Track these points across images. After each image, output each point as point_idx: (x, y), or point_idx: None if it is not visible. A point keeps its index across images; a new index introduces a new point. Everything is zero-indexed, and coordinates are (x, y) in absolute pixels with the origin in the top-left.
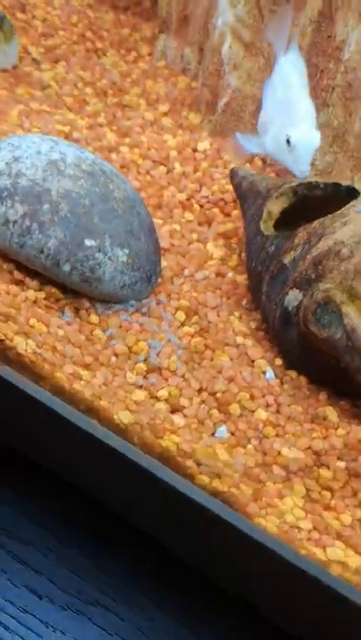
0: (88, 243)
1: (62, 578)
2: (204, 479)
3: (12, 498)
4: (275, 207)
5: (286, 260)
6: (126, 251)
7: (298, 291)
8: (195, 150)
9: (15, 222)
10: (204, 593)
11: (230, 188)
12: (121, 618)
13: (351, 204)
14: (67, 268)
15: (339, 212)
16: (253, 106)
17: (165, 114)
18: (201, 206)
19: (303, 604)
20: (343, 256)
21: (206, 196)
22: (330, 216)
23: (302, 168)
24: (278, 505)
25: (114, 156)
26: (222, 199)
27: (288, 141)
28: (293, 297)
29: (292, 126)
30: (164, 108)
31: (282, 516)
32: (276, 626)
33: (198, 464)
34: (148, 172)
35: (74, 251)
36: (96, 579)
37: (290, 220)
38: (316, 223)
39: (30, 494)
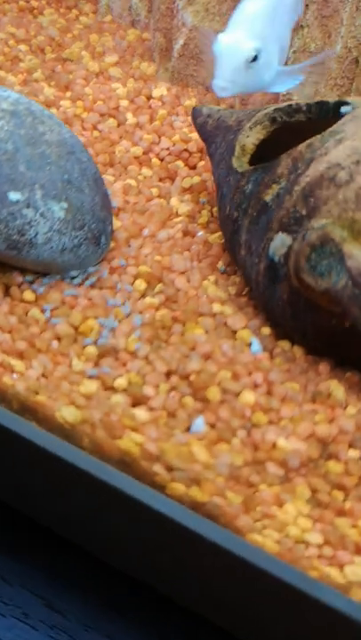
0: (13, 197)
1: (6, 627)
2: (179, 487)
3: None
4: (248, 140)
5: (268, 197)
6: (64, 205)
7: (285, 234)
8: (149, 98)
9: None
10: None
11: (195, 136)
12: None
13: (344, 118)
14: None
15: (329, 129)
16: None
17: (113, 65)
18: (161, 160)
19: None
20: (340, 181)
21: (167, 148)
22: (318, 136)
23: (218, 82)
24: (277, 514)
25: (53, 111)
26: (186, 150)
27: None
28: (280, 242)
29: (225, 33)
30: (111, 59)
31: (283, 529)
32: None
33: (169, 469)
34: (94, 127)
35: None
36: (50, 625)
37: (268, 157)
38: (302, 146)
39: None
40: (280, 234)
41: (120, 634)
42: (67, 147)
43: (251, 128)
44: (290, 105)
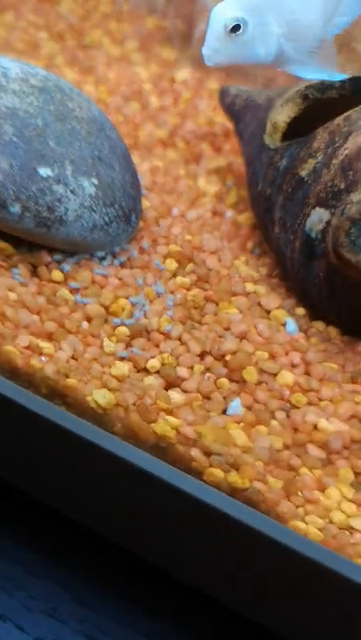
0: (43, 172)
1: (34, 622)
2: (217, 473)
3: None
4: (280, 117)
5: (304, 172)
6: (95, 181)
7: (323, 209)
8: (172, 81)
9: None
10: (226, 630)
11: (219, 119)
12: None
13: None
14: (16, 209)
15: None
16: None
17: (135, 50)
18: (186, 142)
19: None
20: None
21: (192, 131)
22: (357, 108)
23: (203, 49)
24: (320, 499)
25: None
26: (211, 132)
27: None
28: (318, 218)
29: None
30: (132, 45)
31: (327, 515)
32: None
33: (207, 453)
34: (118, 110)
35: (24, 184)
36: (78, 619)
37: (298, 134)
38: (339, 119)
39: None
40: (317, 209)
41: (150, 627)
42: (96, 123)
43: (282, 105)
44: (322, 82)
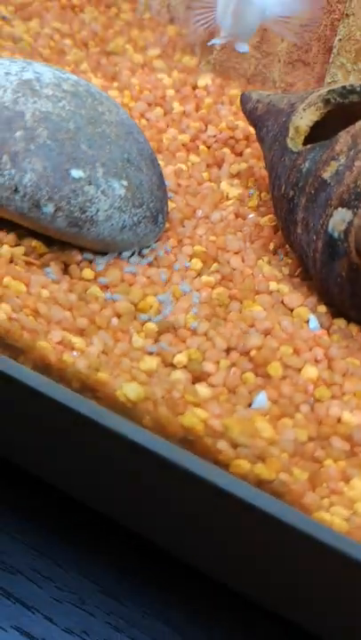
0: (75, 174)
1: (63, 614)
2: (244, 465)
3: None
4: (302, 121)
5: (327, 174)
6: (124, 183)
7: (345, 209)
8: (194, 87)
9: None
10: (250, 624)
11: (241, 124)
12: None
13: None
14: (49, 209)
15: None
16: (256, 37)
17: (157, 57)
18: (208, 147)
19: None
20: None
21: (213, 135)
22: None
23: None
24: (345, 491)
25: None
26: (232, 137)
27: None
28: (340, 218)
29: None
30: (154, 52)
31: (351, 506)
32: None
33: (234, 445)
34: (142, 115)
35: (57, 185)
36: (106, 611)
37: (319, 138)
38: (360, 123)
39: (12, 506)
40: (340, 209)
41: (177, 619)
42: (125, 127)
43: (304, 109)
44: (344, 86)
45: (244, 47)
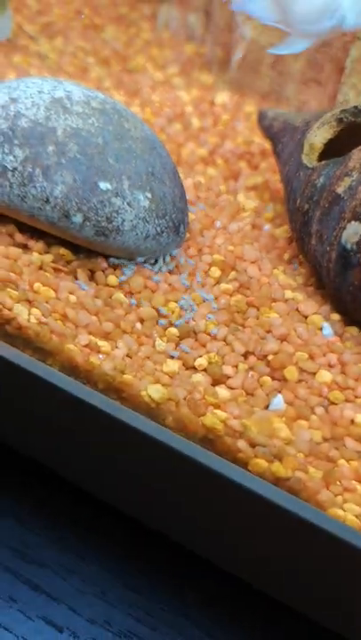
0: (103, 186)
1: (86, 604)
2: (262, 463)
3: (16, 509)
4: (317, 139)
5: (340, 189)
6: (148, 195)
7: (358, 222)
8: (212, 104)
9: (15, 170)
10: (265, 615)
11: (257, 139)
12: None
13: None
14: (78, 219)
15: None
16: (272, 57)
17: (176, 75)
18: (226, 160)
19: None
20: None
21: (230, 150)
22: None
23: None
24: (357, 489)
25: None
26: (248, 151)
27: None
28: (353, 230)
29: None
30: (173, 70)
31: None
32: None
33: (253, 445)
34: (162, 130)
35: (86, 197)
36: (127, 602)
37: (334, 157)
38: None
39: (38, 503)
40: (353, 223)
41: (195, 613)
42: (149, 142)
43: (319, 127)
44: (356, 106)
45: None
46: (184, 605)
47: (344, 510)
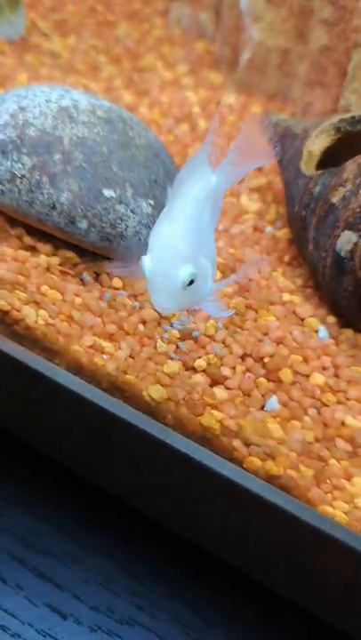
0: (107, 193)
1: (90, 592)
2: (255, 462)
3: (22, 498)
4: (315, 147)
5: (335, 198)
6: (151, 202)
7: (351, 232)
8: (219, 105)
9: (23, 177)
10: (261, 604)
11: None
12: (163, 638)
13: None
14: (83, 224)
15: None
16: (278, 59)
17: (185, 74)
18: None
19: None
20: None
21: None
22: None
23: (158, 305)
24: (346, 487)
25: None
26: None
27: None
28: (346, 239)
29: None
30: (183, 69)
31: (352, 501)
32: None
33: (247, 444)
34: (170, 131)
35: (91, 203)
36: (130, 591)
37: (333, 164)
38: None
39: (44, 494)
40: (346, 231)
41: (195, 600)
42: (153, 150)
43: (317, 136)
44: (353, 116)
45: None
46: (185, 595)
47: (333, 507)
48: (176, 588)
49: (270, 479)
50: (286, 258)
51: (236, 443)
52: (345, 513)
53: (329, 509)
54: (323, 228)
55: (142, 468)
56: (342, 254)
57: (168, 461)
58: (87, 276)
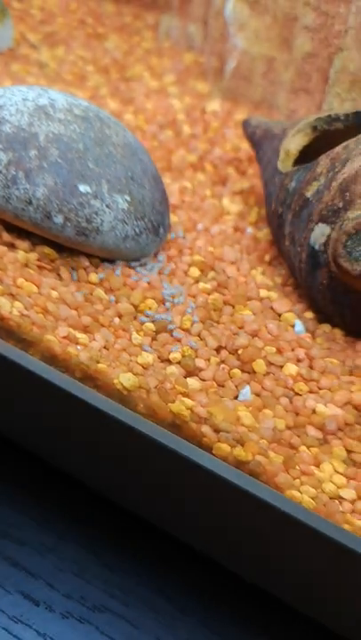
0: (82, 189)
1: (63, 581)
2: (224, 448)
3: None
4: (292, 145)
5: (309, 193)
6: (127, 197)
7: (325, 224)
8: (204, 112)
9: None
10: (231, 590)
11: (245, 146)
12: (134, 625)
13: None
14: (59, 219)
15: None
16: (263, 67)
17: (172, 84)
18: (214, 166)
19: (354, 591)
20: None
21: (219, 156)
22: (354, 139)
23: None
24: (314, 473)
25: None
26: (236, 158)
27: None
28: (320, 232)
29: None
30: (170, 79)
31: (319, 486)
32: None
33: (217, 430)
34: (154, 137)
35: (66, 198)
36: (102, 579)
37: (310, 160)
38: (339, 148)
39: (19, 484)
40: (320, 224)
41: (169, 589)
42: (130, 148)
43: (294, 135)
44: (329, 115)
45: None
46: (157, 583)
47: (301, 492)
48: (150, 577)
49: (239, 465)
50: (267, 257)
51: (206, 429)
52: (312, 498)
53: (296, 494)
54: (298, 222)
55: (117, 456)
56: (316, 247)
57: (138, 448)
58: (65, 272)
